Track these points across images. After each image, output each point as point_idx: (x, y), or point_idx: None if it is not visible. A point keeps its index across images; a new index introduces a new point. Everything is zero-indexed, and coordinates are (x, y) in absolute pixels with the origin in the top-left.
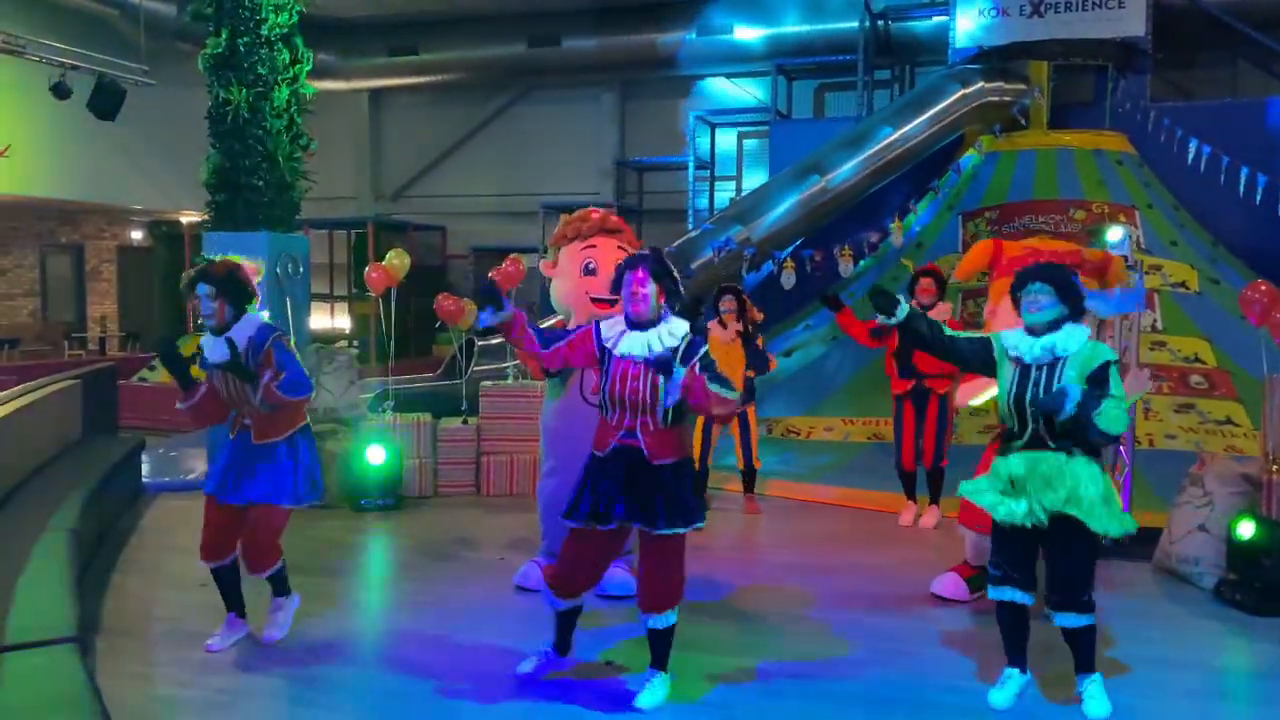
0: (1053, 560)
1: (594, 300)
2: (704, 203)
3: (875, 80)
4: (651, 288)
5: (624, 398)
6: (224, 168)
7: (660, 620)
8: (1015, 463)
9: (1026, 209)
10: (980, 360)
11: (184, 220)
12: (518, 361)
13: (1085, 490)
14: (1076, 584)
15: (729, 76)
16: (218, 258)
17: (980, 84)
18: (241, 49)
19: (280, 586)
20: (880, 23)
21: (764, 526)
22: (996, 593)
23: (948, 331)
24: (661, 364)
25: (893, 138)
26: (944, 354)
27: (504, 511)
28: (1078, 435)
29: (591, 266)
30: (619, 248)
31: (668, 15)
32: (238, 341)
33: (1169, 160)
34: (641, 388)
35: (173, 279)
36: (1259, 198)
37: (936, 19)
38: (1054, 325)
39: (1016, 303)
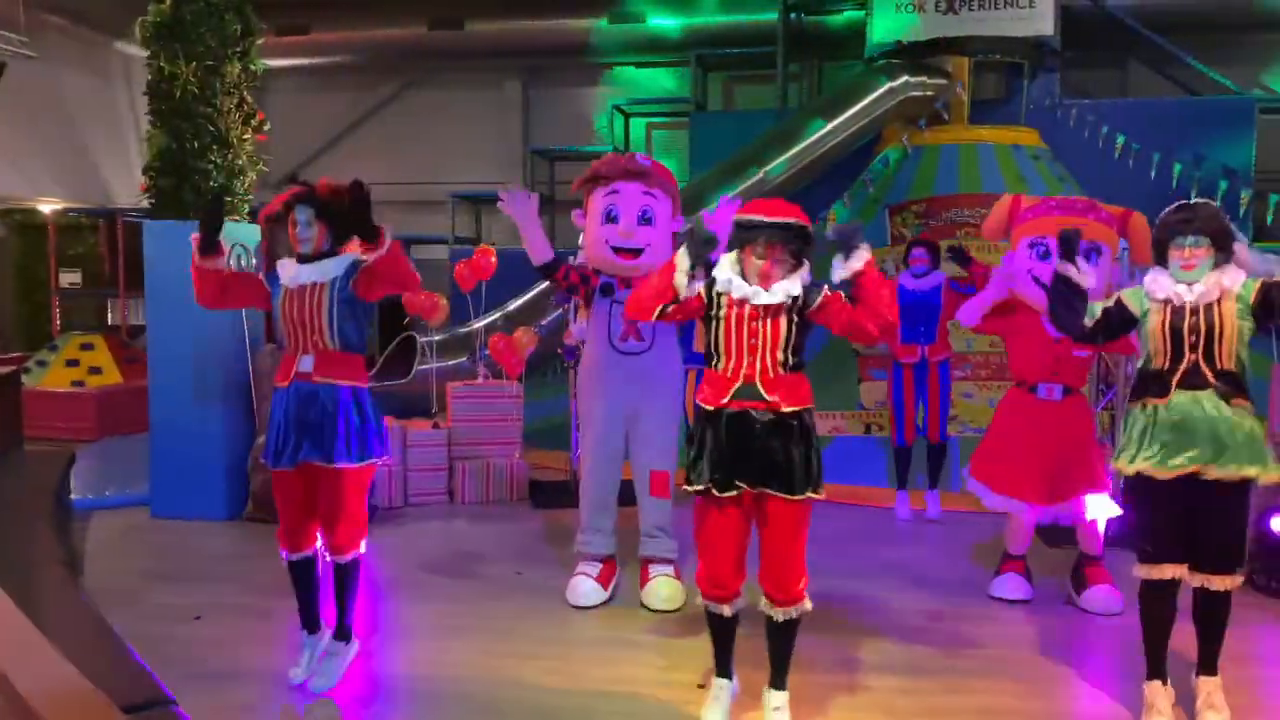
0: (1203, 518)
1: (616, 250)
2: None
3: (788, 73)
4: (784, 266)
5: (741, 344)
6: (170, 149)
7: (798, 609)
8: (1166, 412)
9: (952, 202)
10: (1121, 322)
11: (45, 209)
12: (462, 360)
13: (1240, 451)
14: (1230, 540)
15: (639, 66)
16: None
17: (905, 78)
18: (189, 18)
19: (348, 615)
20: (793, 15)
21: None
22: (1149, 572)
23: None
24: (842, 237)
25: (826, 130)
26: (1083, 336)
27: (491, 520)
28: (1238, 373)
29: (613, 213)
30: (645, 192)
31: (579, 0)
32: (330, 267)
33: (1081, 155)
34: (762, 329)
35: (29, 273)
36: (1192, 192)
37: (849, 13)
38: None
39: (1162, 253)
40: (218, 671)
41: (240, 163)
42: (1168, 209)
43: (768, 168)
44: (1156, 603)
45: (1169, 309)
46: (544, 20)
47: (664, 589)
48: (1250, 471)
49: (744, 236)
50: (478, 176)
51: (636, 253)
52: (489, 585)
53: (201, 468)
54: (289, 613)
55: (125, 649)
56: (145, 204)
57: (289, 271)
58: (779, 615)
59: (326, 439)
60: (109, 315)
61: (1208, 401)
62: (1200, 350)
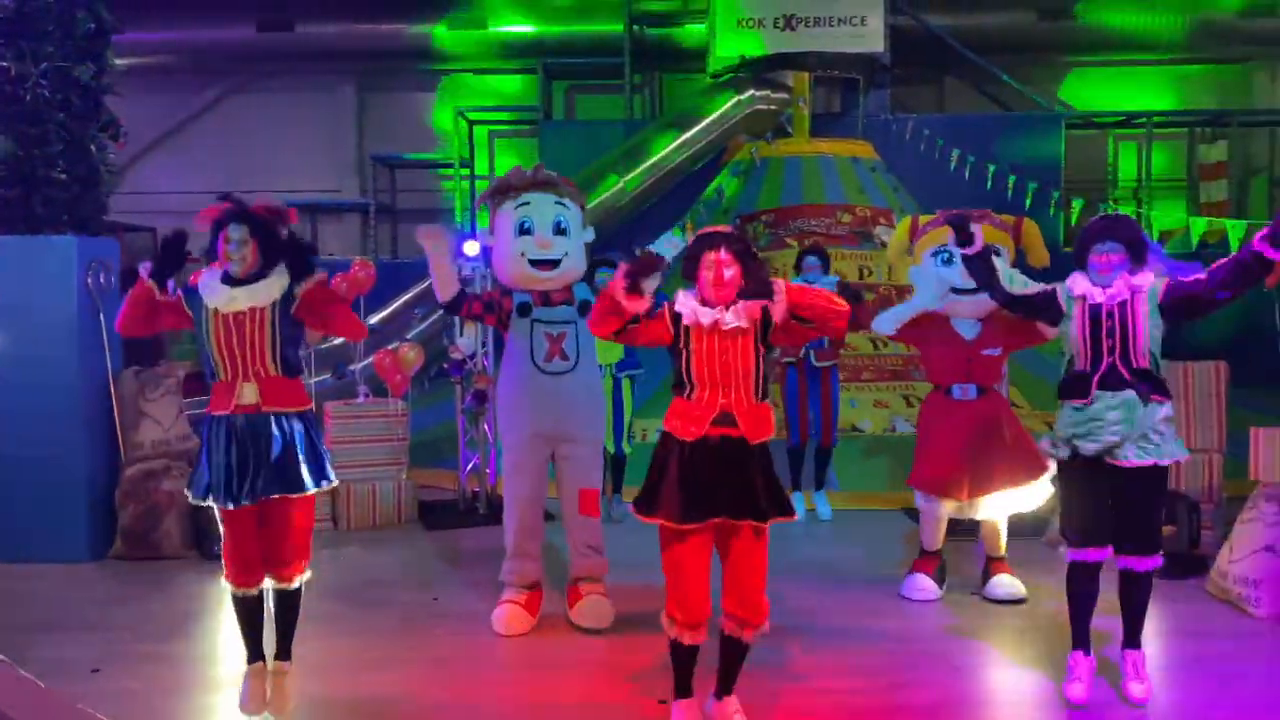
0: (1126, 506)
1: (532, 262)
2: (466, 203)
3: (631, 84)
4: (736, 270)
5: (714, 374)
6: (15, 156)
7: (759, 633)
8: (1091, 409)
9: (799, 212)
10: (1048, 312)
11: None
12: (325, 376)
13: (1155, 439)
14: (1151, 525)
15: (478, 73)
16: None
17: (751, 92)
18: (36, 13)
19: (290, 634)
20: (636, 26)
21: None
22: (1076, 555)
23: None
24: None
25: (680, 140)
26: (1009, 306)
27: (385, 546)
28: (1153, 371)
29: (526, 225)
30: (556, 202)
31: (417, 4)
32: (268, 290)
33: (911, 166)
34: (734, 359)
35: None
36: (1025, 201)
37: (691, 27)
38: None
39: (1082, 262)
40: None
41: (98, 172)
42: (1091, 219)
43: (627, 178)
44: (1081, 582)
45: (1087, 313)
46: (379, 23)
47: (596, 607)
48: (1159, 459)
49: (693, 257)
50: (312, 184)
51: (554, 263)
52: (407, 614)
53: (59, 505)
54: (196, 656)
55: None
56: None
57: (219, 295)
58: (746, 638)
59: (289, 470)
60: None
61: (1126, 399)
62: (1117, 352)
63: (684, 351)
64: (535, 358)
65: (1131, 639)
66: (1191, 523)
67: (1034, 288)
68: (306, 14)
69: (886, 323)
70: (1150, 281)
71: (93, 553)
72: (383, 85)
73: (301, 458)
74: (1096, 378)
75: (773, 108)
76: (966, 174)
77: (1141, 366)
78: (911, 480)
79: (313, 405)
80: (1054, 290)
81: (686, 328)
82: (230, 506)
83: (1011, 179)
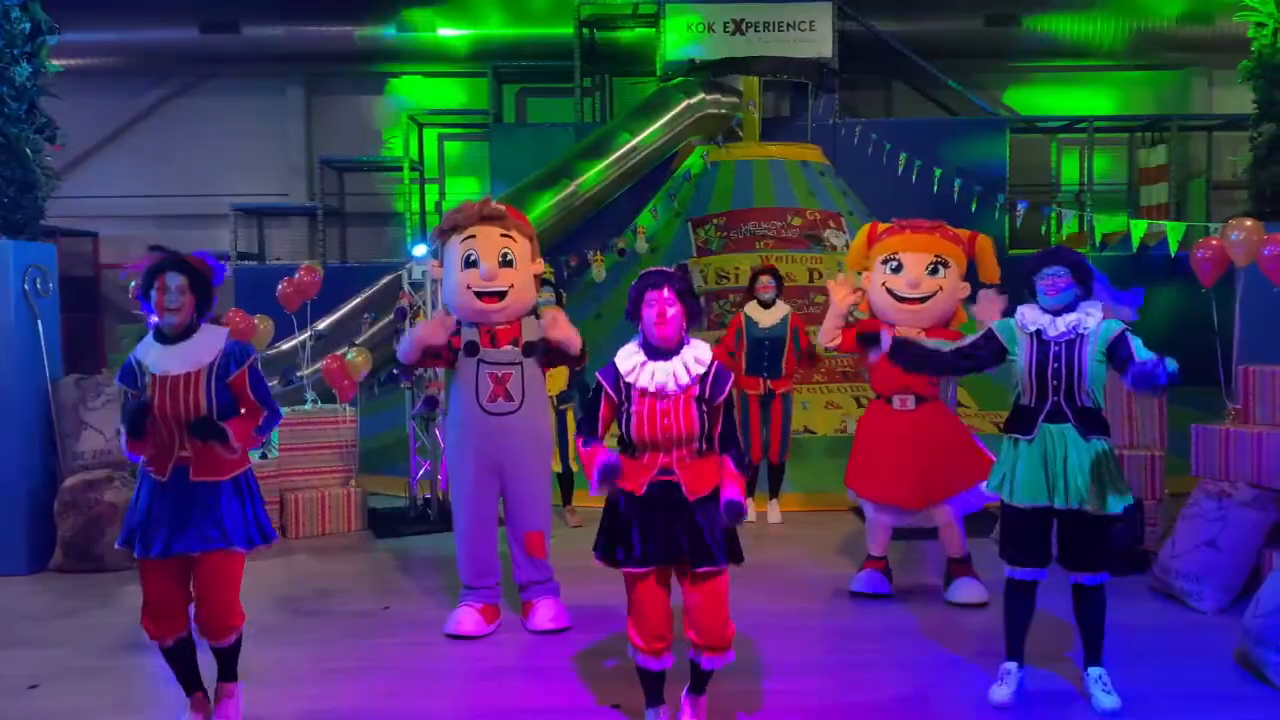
0: (1069, 532)
1: (478, 295)
2: (415, 205)
3: (581, 87)
4: (679, 308)
5: (656, 436)
6: None
7: (721, 660)
8: (1032, 448)
9: (750, 216)
10: (992, 354)
11: None
12: (272, 383)
13: (1103, 482)
14: (1098, 550)
15: (427, 75)
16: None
17: (701, 95)
18: None
19: (232, 665)
20: (585, 30)
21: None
22: (1014, 573)
23: (946, 346)
24: (732, 511)
25: (632, 144)
26: (953, 368)
27: (335, 555)
28: (1095, 410)
29: (473, 258)
30: (502, 235)
31: (365, 6)
32: (202, 352)
33: (858, 170)
34: (675, 423)
35: None
36: (972, 205)
37: (639, 30)
38: (1070, 306)
39: (1031, 288)
40: None
41: (35, 176)
42: (1035, 252)
43: (579, 181)
44: (1018, 599)
45: (1035, 349)
46: (327, 25)
47: (549, 610)
48: (1090, 509)
49: (638, 295)
50: (259, 187)
51: (500, 295)
52: (358, 622)
53: None
54: (136, 671)
55: None
56: None
57: (153, 358)
58: (710, 664)
59: (208, 528)
60: None
61: (1067, 437)
62: (1063, 392)
63: (626, 412)
64: (480, 398)
65: (1093, 656)
66: (1135, 520)
67: (966, 340)
68: (253, 15)
69: (824, 336)
70: (1099, 320)
71: (31, 565)
72: (331, 88)
73: (229, 518)
74: (1041, 416)
75: (723, 111)
76: (914, 178)
77: (1084, 405)
78: (849, 483)
79: (247, 466)
80: (988, 330)
81: (627, 385)
82: (142, 556)
83: (957, 183)
